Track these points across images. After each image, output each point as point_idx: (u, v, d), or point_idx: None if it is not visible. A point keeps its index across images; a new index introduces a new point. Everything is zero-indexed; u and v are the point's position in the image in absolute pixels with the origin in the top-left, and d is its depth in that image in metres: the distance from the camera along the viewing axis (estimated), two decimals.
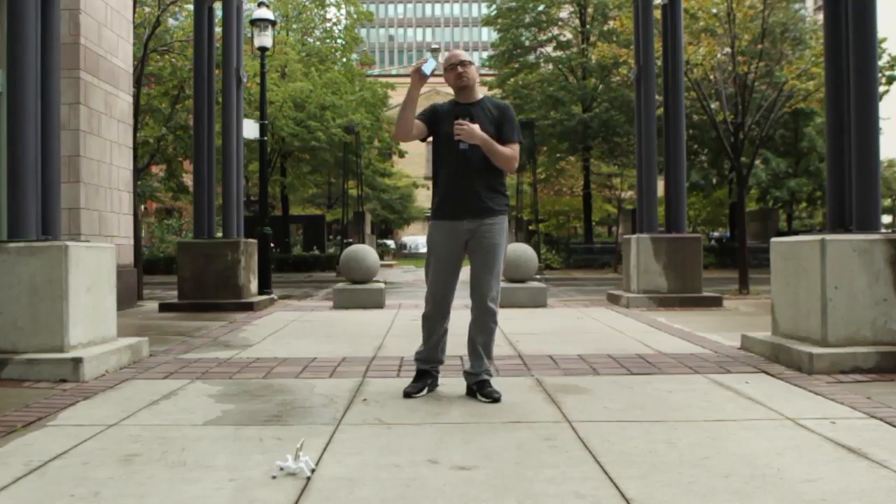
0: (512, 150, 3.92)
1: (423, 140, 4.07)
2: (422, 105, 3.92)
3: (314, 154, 27.79)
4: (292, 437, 3.13)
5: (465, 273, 4.01)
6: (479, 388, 3.94)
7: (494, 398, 3.85)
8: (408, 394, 3.94)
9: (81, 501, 2.45)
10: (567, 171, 29.70)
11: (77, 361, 4.54)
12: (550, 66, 29.04)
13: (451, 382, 4.26)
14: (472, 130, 3.79)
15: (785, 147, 25.67)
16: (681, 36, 9.78)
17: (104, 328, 5.19)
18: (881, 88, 21.50)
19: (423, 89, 3.88)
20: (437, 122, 3.97)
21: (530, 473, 2.69)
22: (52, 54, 5.19)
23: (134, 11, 11.16)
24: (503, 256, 4.03)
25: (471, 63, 3.98)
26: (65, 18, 7.90)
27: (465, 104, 3.97)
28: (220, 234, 10.29)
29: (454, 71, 3.95)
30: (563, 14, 29.06)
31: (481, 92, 4.09)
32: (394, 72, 67.49)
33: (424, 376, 4.06)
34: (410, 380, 4.12)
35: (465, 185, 3.90)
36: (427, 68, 3.74)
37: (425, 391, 4.02)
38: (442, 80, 4.10)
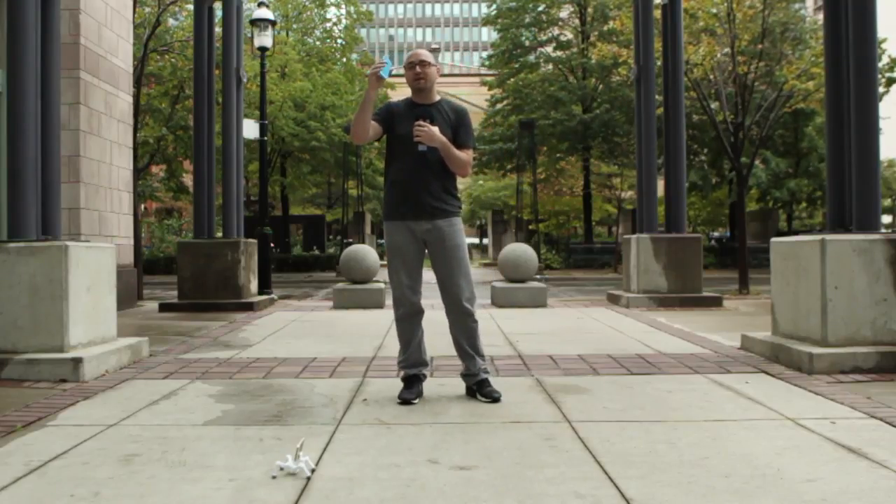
0: (467, 156, 3.92)
1: (378, 140, 4.01)
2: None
3: (314, 154, 27.81)
4: (292, 437, 3.13)
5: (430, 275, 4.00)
6: (479, 388, 3.94)
7: (494, 398, 3.85)
8: (406, 400, 3.83)
9: (81, 501, 2.45)
10: (567, 171, 29.71)
11: (77, 361, 4.54)
12: (550, 66, 29.06)
13: (451, 382, 4.26)
14: (433, 133, 3.76)
15: (785, 147, 25.68)
16: (681, 36, 9.78)
17: (104, 328, 5.19)
18: (881, 89, 21.50)
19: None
20: (393, 122, 3.92)
21: (530, 473, 2.69)
22: (52, 54, 5.19)
23: (134, 11, 11.16)
24: (467, 255, 4.02)
25: (431, 64, 3.91)
26: (65, 18, 7.90)
27: (424, 105, 3.93)
28: (220, 234, 10.29)
29: (412, 70, 3.89)
30: (563, 14, 29.08)
31: (438, 94, 4.03)
32: (394, 72, 67.41)
33: (415, 381, 3.98)
34: None
35: (422, 187, 3.86)
36: (384, 72, 3.72)
37: (421, 395, 3.97)
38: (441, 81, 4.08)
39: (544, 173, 29.70)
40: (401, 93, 4.13)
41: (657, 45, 10.26)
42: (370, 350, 5.71)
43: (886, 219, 45.46)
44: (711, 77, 12.90)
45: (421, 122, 3.78)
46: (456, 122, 3.93)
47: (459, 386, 4.12)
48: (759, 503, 2.38)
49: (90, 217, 8.80)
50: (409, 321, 3.97)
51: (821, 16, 5.97)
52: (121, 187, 9.77)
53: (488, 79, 31.71)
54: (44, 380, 4.50)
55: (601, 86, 26.65)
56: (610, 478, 2.62)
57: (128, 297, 9.36)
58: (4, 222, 5.07)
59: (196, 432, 3.30)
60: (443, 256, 3.91)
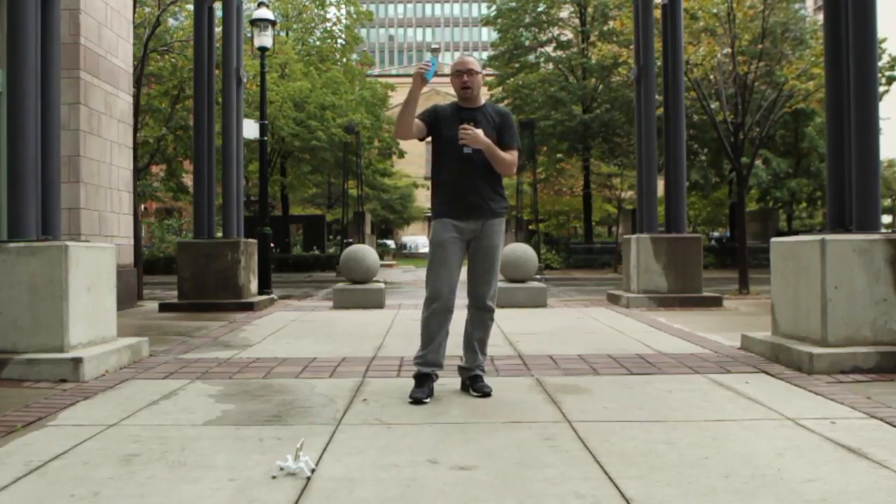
0: (511, 156, 4.01)
1: (422, 139, 4.11)
2: (422, 105, 3.96)
3: (314, 154, 27.80)
4: (292, 437, 3.13)
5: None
6: (472, 383, 4.05)
7: (485, 392, 3.98)
8: (418, 399, 3.81)
9: (81, 501, 2.45)
10: (567, 171, 29.71)
11: (77, 361, 4.54)
12: (551, 66, 29.06)
13: (451, 382, 4.26)
14: (477, 136, 3.85)
15: (785, 147, 25.67)
16: (681, 36, 9.78)
17: (104, 328, 5.19)
18: (881, 88, 21.50)
19: (424, 89, 3.93)
20: (439, 125, 4.02)
21: (530, 473, 2.69)
22: (52, 54, 5.19)
23: (134, 11, 11.16)
24: (500, 256, 4.15)
25: (478, 73, 4.02)
26: (65, 18, 7.90)
27: (469, 109, 4.03)
28: (220, 234, 10.29)
29: (460, 78, 4.00)
30: (563, 14, 29.09)
31: (483, 98, 4.15)
32: (394, 72, 67.56)
33: (427, 380, 3.96)
34: (411, 380, 4.04)
35: (470, 189, 3.97)
36: (429, 75, 3.80)
37: (433, 395, 3.94)
38: (443, 80, 4.14)
39: (544, 173, 29.71)
40: (401, 92, 4.18)
41: (657, 45, 10.26)
42: (370, 350, 5.71)
43: (886, 219, 45.45)
44: (711, 77, 12.90)
45: (465, 126, 3.87)
46: (500, 124, 4.03)
47: (458, 386, 4.14)
48: (759, 503, 2.38)
49: (90, 217, 8.80)
50: (439, 318, 3.96)
51: (821, 16, 5.97)
52: (121, 187, 9.77)
53: (488, 79, 31.71)
54: (44, 380, 4.50)
55: (601, 86, 26.65)
56: (610, 478, 2.62)
57: (128, 297, 9.35)
58: (4, 222, 5.07)
59: (196, 432, 3.30)
60: (483, 254, 4.03)
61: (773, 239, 5.42)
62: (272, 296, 10.84)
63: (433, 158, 4.11)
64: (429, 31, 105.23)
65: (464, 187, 3.96)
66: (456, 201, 3.97)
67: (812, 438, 3.11)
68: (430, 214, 4.19)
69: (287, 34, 27.81)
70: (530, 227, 28.95)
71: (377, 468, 2.76)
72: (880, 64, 20.30)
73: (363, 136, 28.48)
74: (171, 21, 18.07)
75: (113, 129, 9.48)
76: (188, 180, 21.46)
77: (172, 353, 5.69)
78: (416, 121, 3.93)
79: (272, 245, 16.29)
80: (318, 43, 29.79)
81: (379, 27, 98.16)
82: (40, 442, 3.16)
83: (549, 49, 29.47)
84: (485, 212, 3.99)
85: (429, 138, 4.10)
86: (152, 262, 23.87)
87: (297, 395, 4.06)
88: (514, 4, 28.72)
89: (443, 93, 36.01)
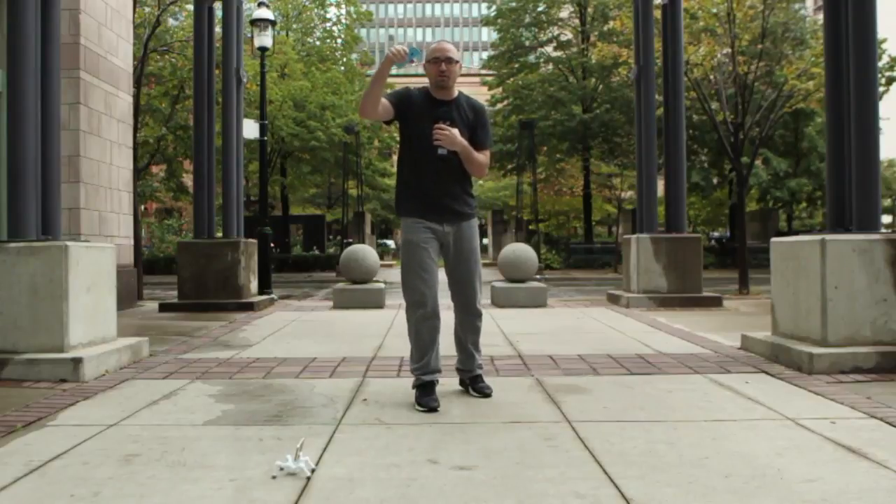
0: (485, 157, 3.87)
1: (388, 122, 3.89)
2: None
3: (314, 154, 27.83)
4: (292, 437, 3.13)
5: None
6: (473, 383, 4.01)
7: (486, 393, 3.94)
8: (432, 408, 3.63)
9: (81, 501, 2.45)
10: (567, 171, 29.74)
11: (77, 361, 4.54)
12: (550, 66, 29.09)
13: (451, 382, 4.25)
14: (454, 137, 3.69)
15: (785, 147, 25.71)
16: (681, 36, 9.78)
17: (104, 328, 5.19)
18: (881, 88, 21.51)
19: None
20: (409, 113, 3.79)
21: (530, 473, 2.69)
22: (52, 54, 5.19)
23: (134, 11, 11.16)
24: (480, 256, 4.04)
25: (457, 62, 3.80)
26: (65, 18, 7.90)
27: (444, 102, 3.82)
28: (220, 234, 10.29)
29: (437, 65, 3.75)
30: (563, 14, 29.13)
31: (456, 89, 3.91)
32: (393, 71, 67.45)
33: (432, 387, 3.83)
34: (411, 380, 3.95)
35: (444, 190, 3.80)
36: (401, 65, 3.61)
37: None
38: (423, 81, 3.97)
39: (544, 173, 29.73)
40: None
41: (657, 45, 10.26)
42: (370, 350, 5.71)
43: (886, 219, 45.47)
44: (711, 77, 12.90)
45: (441, 126, 3.69)
46: (474, 122, 3.85)
47: (457, 386, 4.14)
48: (759, 503, 2.38)
49: (90, 217, 8.80)
50: (429, 324, 3.77)
51: (821, 16, 5.97)
52: (121, 187, 9.77)
53: (488, 79, 31.73)
54: (44, 380, 4.50)
55: (601, 86, 26.68)
56: (610, 478, 2.62)
57: (128, 297, 9.35)
58: (4, 222, 5.07)
59: (196, 432, 3.30)
60: (461, 258, 3.89)
61: (773, 239, 5.41)
62: (272, 296, 10.84)
63: (401, 151, 3.91)
64: (429, 31, 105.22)
65: (437, 189, 3.78)
66: (429, 203, 3.79)
67: (812, 438, 3.11)
68: (403, 211, 3.91)
69: (287, 34, 27.82)
70: (530, 227, 28.96)
71: (377, 468, 2.76)
72: (880, 64, 20.31)
73: (363, 136, 28.50)
74: (171, 21, 18.09)
75: (113, 129, 9.48)
76: (188, 180, 21.48)
77: (172, 353, 5.69)
78: (384, 100, 3.70)
79: (272, 245, 16.30)
80: (318, 43, 29.82)
81: (379, 27, 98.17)
82: (40, 442, 3.16)
83: (549, 49, 29.51)
84: (460, 215, 3.84)
85: (395, 122, 3.87)
86: (152, 262, 23.88)
87: (297, 396, 4.06)
88: (514, 4, 28.76)
89: None
